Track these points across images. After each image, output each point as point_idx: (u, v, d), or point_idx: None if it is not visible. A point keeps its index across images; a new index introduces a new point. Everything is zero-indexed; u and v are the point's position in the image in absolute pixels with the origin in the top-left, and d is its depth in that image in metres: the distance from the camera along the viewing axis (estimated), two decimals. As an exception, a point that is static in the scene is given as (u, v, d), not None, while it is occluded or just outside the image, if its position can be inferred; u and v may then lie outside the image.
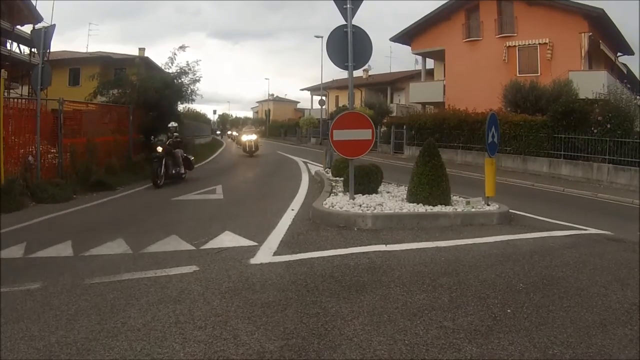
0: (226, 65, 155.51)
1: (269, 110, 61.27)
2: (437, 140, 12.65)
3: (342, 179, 9.26)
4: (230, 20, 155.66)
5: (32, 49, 20.50)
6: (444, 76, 26.48)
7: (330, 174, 10.98)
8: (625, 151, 13.65)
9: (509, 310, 3.29)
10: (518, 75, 21.26)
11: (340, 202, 6.91)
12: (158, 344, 2.77)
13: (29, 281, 3.95)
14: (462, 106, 19.92)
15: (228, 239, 5.44)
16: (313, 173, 13.08)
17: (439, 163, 6.88)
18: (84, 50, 32.12)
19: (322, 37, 30.28)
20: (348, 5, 6.81)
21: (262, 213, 7.16)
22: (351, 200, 6.94)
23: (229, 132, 51.05)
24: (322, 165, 13.88)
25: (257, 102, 73.48)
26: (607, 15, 19.88)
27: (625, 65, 25.15)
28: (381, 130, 25.69)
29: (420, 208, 6.57)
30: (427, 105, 27.81)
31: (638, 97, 16.29)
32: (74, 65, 28.10)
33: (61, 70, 25.78)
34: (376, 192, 7.83)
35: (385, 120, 27.90)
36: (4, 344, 2.78)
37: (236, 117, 75.46)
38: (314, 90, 45.82)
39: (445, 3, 24.93)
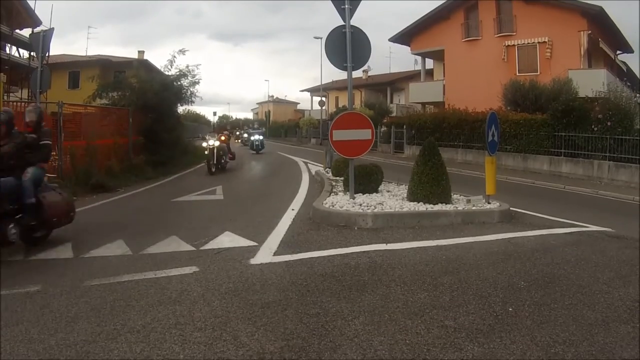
0: (226, 67, 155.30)
1: (269, 112, 61.29)
2: (437, 139, 12.53)
3: (342, 178, 9.24)
4: (230, 22, 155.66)
5: (31, 53, 20.51)
6: (444, 76, 26.43)
7: (330, 174, 10.96)
8: (626, 148, 13.65)
9: (510, 309, 3.28)
10: (517, 74, 21.20)
11: (340, 201, 6.90)
12: (158, 345, 2.76)
13: (29, 283, 3.93)
14: (461, 106, 19.87)
15: (228, 240, 5.42)
16: (313, 173, 13.06)
17: (439, 162, 6.88)
18: (84, 54, 32.22)
19: (321, 38, 30.31)
20: (346, 6, 6.78)
21: (262, 213, 7.14)
22: (351, 199, 6.92)
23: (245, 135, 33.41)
24: (322, 165, 13.86)
25: (257, 103, 73.46)
26: (606, 13, 19.83)
27: (624, 63, 25.07)
28: (381, 130, 25.66)
29: (421, 207, 6.55)
30: (427, 105, 27.77)
31: (638, 94, 16.28)
32: (74, 69, 28.16)
33: (61, 74, 25.84)
34: (376, 192, 7.81)
35: (385, 120, 27.88)
36: (3, 346, 2.77)
37: (236, 118, 75.23)
38: (313, 91, 45.77)
39: (444, 2, 24.86)
